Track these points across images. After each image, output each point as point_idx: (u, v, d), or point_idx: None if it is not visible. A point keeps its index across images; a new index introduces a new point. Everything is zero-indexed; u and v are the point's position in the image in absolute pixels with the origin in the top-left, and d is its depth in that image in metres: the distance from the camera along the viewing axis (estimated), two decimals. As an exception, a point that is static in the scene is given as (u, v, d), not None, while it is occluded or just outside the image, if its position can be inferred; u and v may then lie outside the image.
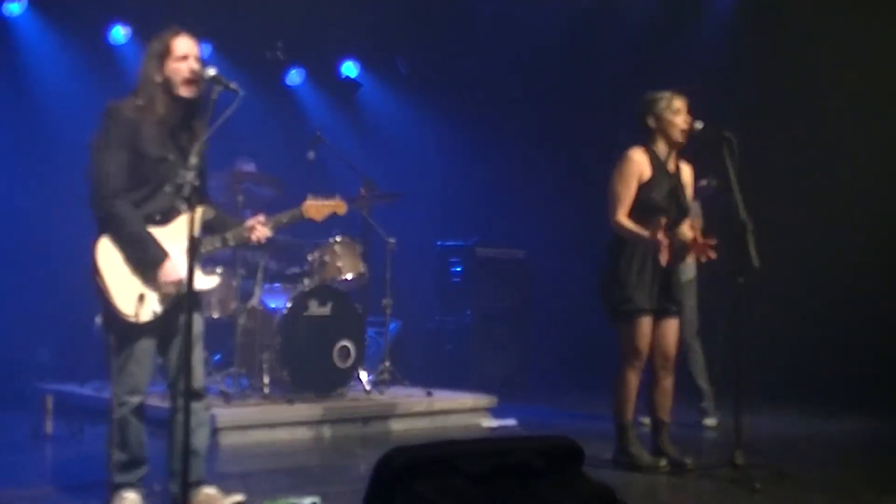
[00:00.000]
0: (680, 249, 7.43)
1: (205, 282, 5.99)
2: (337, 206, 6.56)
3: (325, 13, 12.65)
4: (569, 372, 12.32)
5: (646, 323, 7.46)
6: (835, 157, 11.90)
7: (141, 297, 5.72)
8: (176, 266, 5.73)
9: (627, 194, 7.46)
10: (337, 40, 13.59)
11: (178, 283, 5.73)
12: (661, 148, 7.59)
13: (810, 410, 10.96)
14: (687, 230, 7.53)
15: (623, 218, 7.42)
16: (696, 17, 13.27)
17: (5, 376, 9.28)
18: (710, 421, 9.95)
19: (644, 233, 7.27)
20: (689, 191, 7.73)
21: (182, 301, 5.69)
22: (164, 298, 5.79)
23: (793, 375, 11.79)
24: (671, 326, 7.61)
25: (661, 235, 7.16)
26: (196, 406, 5.90)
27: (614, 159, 7.64)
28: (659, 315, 7.53)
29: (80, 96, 10.93)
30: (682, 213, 7.60)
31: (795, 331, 12.06)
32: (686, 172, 7.75)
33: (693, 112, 7.54)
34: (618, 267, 7.48)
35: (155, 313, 5.77)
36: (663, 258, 7.30)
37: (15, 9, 11.46)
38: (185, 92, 5.81)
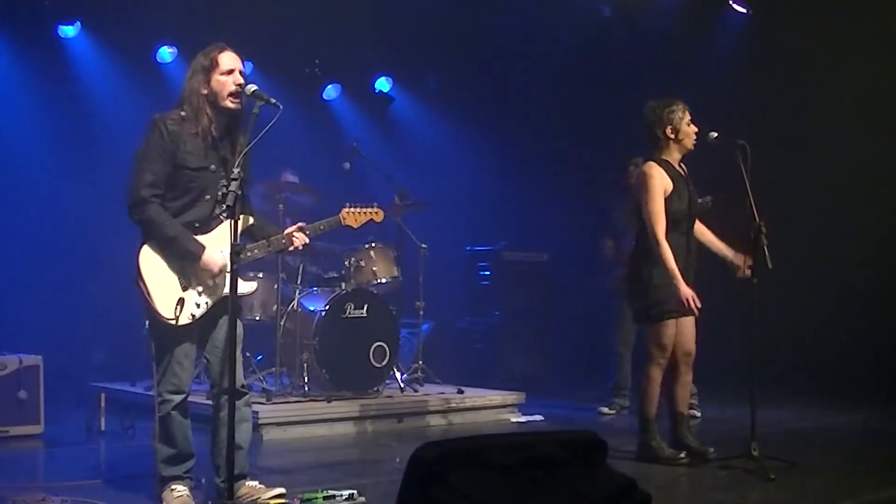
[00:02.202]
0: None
1: (243, 287, 5.97)
2: (374, 213, 6.56)
3: (359, 32, 12.68)
4: (590, 368, 12.28)
5: (671, 324, 7.43)
6: (845, 159, 11.85)
7: (180, 301, 5.74)
8: (215, 255, 5.75)
9: (660, 210, 7.38)
10: (371, 58, 13.61)
11: (221, 270, 5.74)
12: (674, 156, 7.54)
13: (822, 403, 10.90)
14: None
15: (663, 239, 7.35)
16: (711, 29, 13.24)
17: (62, 376, 9.31)
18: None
19: (678, 280, 7.28)
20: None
21: (221, 304, 5.70)
22: (199, 298, 5.80)
23: (805, 370, 11.75)
24: (689, 324, 7.57)
25: (687, 296, 7.24)
26: (238, 403, 5.90)
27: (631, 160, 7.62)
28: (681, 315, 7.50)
29: (130, 111, 10.97)
30: (696, 216, 7.58)
31: (807, 328, 12.01)
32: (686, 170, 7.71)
33: (702, 120, 7.52)
34: (649, 272, 7.45)
35: (193, 316, 5.78)
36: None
37: (70, 31, 11.54)
38: (229, 104, 5.82)
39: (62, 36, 11.56)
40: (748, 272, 7.35)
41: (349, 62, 13.39)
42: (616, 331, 10.42)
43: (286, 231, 6.13)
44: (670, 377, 7.68)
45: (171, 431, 5.88)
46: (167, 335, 5.80)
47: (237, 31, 10.22)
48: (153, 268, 5.76)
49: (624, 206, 10.20)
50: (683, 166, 7.64)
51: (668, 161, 7.51)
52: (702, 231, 7.73)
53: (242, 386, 6.04)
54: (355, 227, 6.50)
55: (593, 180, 13.12)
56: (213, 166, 5.84)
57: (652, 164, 7.49)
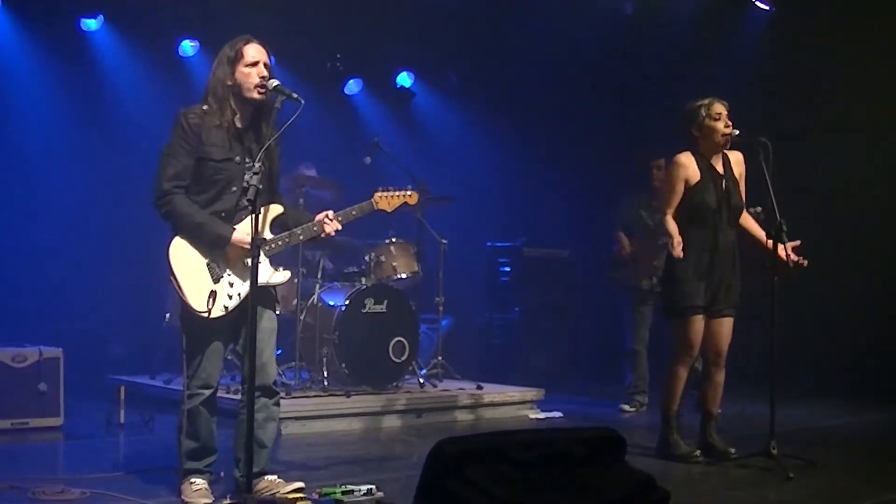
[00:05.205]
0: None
1: (277, 277, 5.96)
2: (408, 196, 6.44)
3: (381, 28, 12.69)
4: (610, 365, 12.28)
5: (698, 320, 7.42)
6: (867, 157, 11.85)
7: (212, 294, 5.74)
8: (245, 234, 5.71)
9: (674, 195, 7.46)
10: (392, 53, 13.62)
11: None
12: (707, 152, 7.53)
13: (842, 402, 10.90)
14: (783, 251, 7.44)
15: (669, 217, 7.44)
16: (733, 26, 13.23)
17: (82, 369, 9.35)
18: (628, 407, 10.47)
19: (675, 237, 7.29)
20: (741, 181, 7.68)
21: (255, 295, 5.67)
22: (231, 291, 5.80)
23: (825, 368, 11.73)
24: (725, 325, 7.54)
25: (678, 249, 7.22)
26: (267, 401, 5.92)
27: (654, 162, 7.65)
28: (713, 314, 7.48)
29: (152, 104, 11.03)
30: (734, 211, 7.53)
31: (828, 326, 12.00)
32: (735, 161, 7.67)
33: (730, 117, 7.51)
34: (674, 267, 7.47)
35: (226, 308, 5.78)
36: (676, 252, 7.25)
37: (92, 24, 11.59)
38: (255, 94, 5.83)
39: (85, 29, 11.61)
40: (790, 260, 7.36)
41: (371, 57, 13.40)
42: (631, 328, 10.44)
43: (317, 217, 6.12)
44: (702, 376, 7.72)
45: (198, 426, 5.89)
46: (199, 329, 5.80)
47: (259, 25, 10.23)
48: (183, 261, 5.76)
49: (632, 202, 10.31)
50: (728, 158, 7.63)
51: (701, 155, 7.52)
52: (750, 226, 7.70)
53: (273, 383, 6.05)
54: (389, 210, 6.38)
55: (614, 176, 13.12)
56: (237, 158, 5.84)
57: (683, 153, 7.55)
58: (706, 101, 7.52)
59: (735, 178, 7.59)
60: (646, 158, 10.43)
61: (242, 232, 5.76)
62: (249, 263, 5.57)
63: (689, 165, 7.48)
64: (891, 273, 11.75)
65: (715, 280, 7.44)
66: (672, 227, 7.36)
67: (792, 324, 9.32)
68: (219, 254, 5.82)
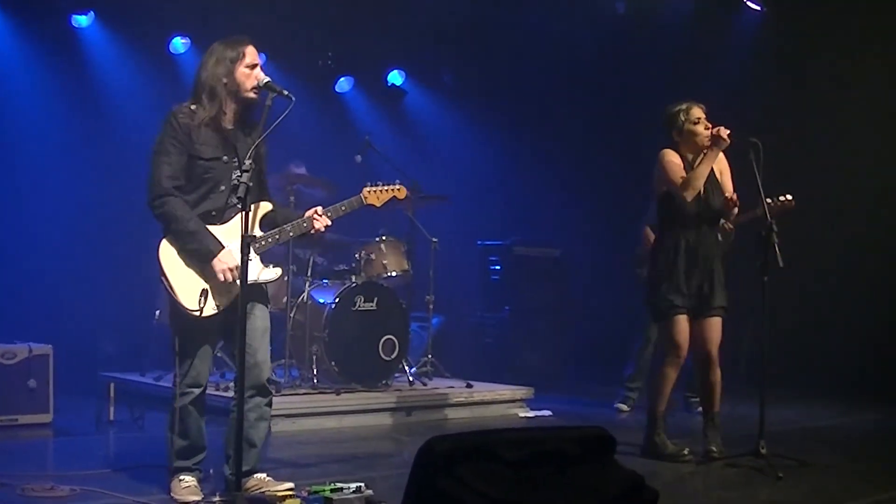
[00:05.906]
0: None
1: (267, 274, 5.95)
2: (396, 191, 6.41)
3: (372, 25, 12.68)
4: (602, 364, 12.29)
5: (681, 320, 7.42)
6: (860, 157, 11.88)
7: (203, 293, 5.72)
8: (232, 254, 5.71)
9: (680, 173, 7.40)
10: (384, 51, 13.61)
11: (235, 269, 5.71)
12: (688, 154, 7.53)
13: (834, 402, 10.91)
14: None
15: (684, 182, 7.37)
16: (725, 26, 13.24)
17: (73, 365, 9.33)
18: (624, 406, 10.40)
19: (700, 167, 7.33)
20: (725, 178, 7.63)
21: (248, 293, 5.65)
22: (222, 289, 5.79)
23: (816, 369, 11.74)
24: (712, 325, 7.51)
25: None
26: (260, 400, 5.91)
27: (646, 163, 7.63)
28: (700, 315, 7.49)
29: (142, 101, 11.01)
30: (714, 213, 7.52)
31: (818, 326, 12.01)
32: (719, 164, 7.62)
33: (715, 118, 7.50)
34: (655, 268, 7.49)
35: (217, 307, 5.77)
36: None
37: (83, 21, 11.56)
38: (251, 95, 5.83)
39: (76, 26, 11.58)
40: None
41: (362, 55, 13.39)
42: (649, 326, 10.33)
43: (307, 213, 6.11)
44: (697, 379, 7.76)
45: (187, 424, 5.90)
46: (190, 328, 5.79)
47: (250, 22, 10.25)
48: (174, 261, 5.76)
49: None
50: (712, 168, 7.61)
51: (682, 156, 7.51)
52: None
53: (268, 380, 6.04)
54: (378, 205, 6.35)
55: (606, 175, 13.14)
56: (225, 157, 5.83)
57: (667, 150, 7.53)
58: (684, 106, 7.53)
59: (715, 178, 7.57)
60: None
61: (229, 255, 5.74)
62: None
63: (679, 159, 7.48)
64: (888, 273, 11.75)
65: (696, 281, 7.44)
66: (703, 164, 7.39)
67: (783, 322, 9.31)
68: (206, 263, 5.81)
